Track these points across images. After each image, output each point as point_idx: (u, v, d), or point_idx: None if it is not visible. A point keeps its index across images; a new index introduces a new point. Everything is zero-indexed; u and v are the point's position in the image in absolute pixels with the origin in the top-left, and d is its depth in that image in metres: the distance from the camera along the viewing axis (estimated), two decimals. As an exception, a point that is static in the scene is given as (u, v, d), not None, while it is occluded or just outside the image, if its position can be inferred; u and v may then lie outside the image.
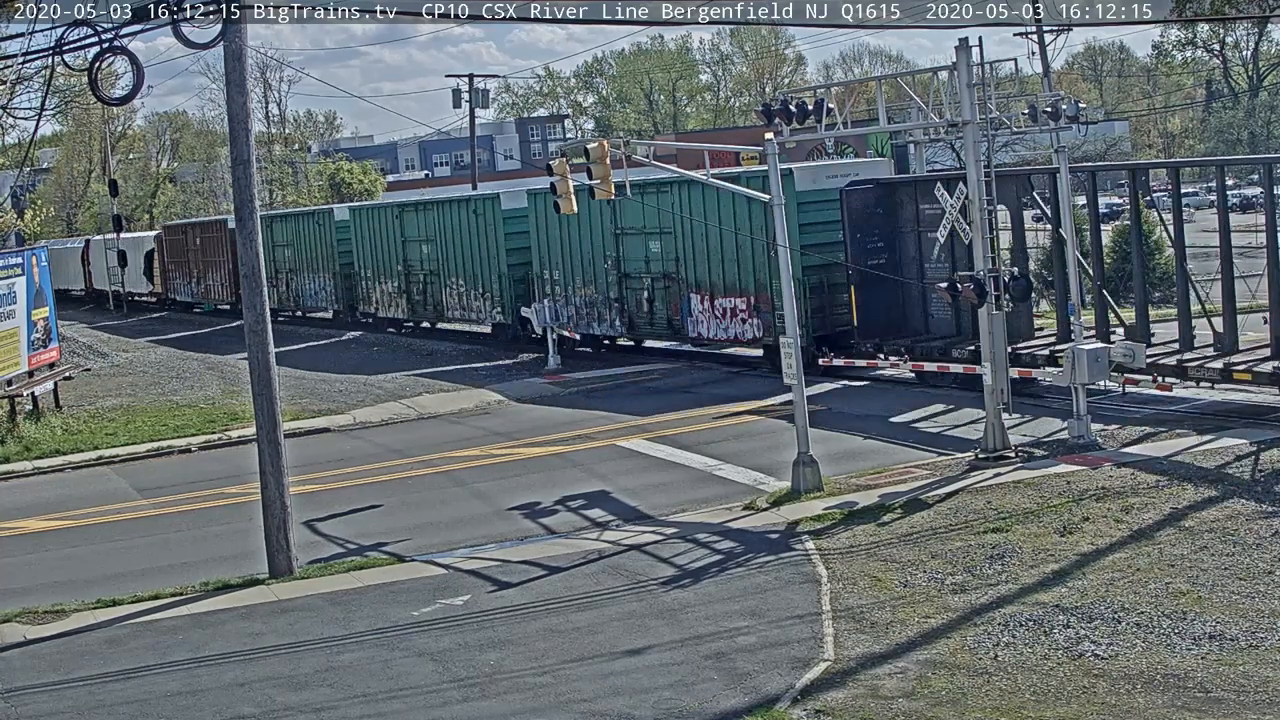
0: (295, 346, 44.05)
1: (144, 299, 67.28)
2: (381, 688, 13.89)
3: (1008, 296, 21.02)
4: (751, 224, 29.73)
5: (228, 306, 56.70)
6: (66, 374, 33.88)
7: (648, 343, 35.65)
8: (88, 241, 73.04)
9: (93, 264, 71.00)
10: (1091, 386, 22.20)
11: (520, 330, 38.62)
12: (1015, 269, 21.56)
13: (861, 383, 28.74)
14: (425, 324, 45.19)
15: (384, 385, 33.71)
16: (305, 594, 17.36)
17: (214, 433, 29.01)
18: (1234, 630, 13.22)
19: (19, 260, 31.23)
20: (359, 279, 46.30)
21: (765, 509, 19.55)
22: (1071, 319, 22.63)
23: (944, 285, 21.56)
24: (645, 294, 33.68)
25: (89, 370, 38.22)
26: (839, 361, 28.59)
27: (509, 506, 21.11)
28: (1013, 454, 20.71)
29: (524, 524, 20.11)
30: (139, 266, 65.14)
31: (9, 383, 29.89)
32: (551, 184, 22.63)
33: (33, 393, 31.32)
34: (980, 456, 20.77)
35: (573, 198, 22.60)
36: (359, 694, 13.78)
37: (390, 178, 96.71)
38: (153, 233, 70.08)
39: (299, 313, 53.01)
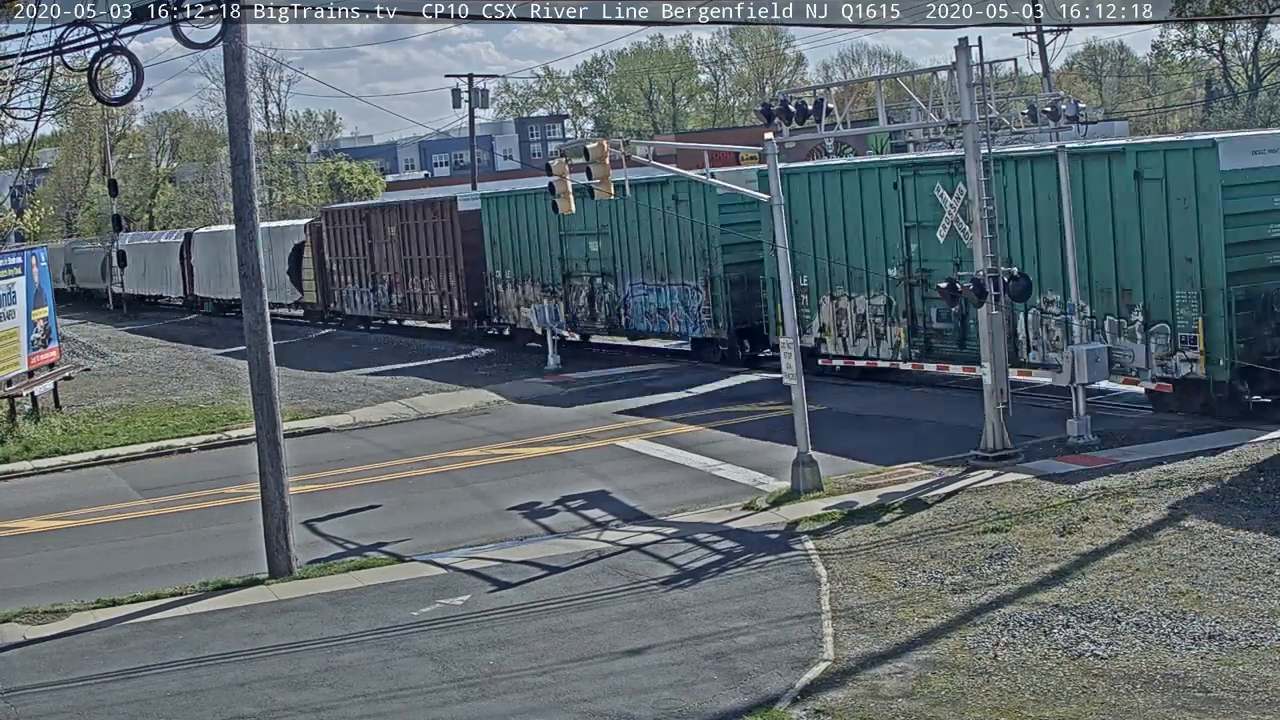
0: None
1: (284, 311, 50.09)
2: (381, 688, 13.89)
3: (1007, 296, 21.04)
4: None
5: (447, 326, 42.43)
6: (66, 374, 33.88)
7: None
8: (189, 235, 59.58)
9: (196, 261, 57.63)
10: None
11: None
12: (1016, 268, 21.55)
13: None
14: (933, 367, 26.29)
15: (383, 385, 33.71)
16: (305, 594, 17.37)
17: (214, 433, 29.02)
18: (1233, 630, 13.22)
19: (18, 260, 31.24)
20: (768, 290, 28.66)
21: (765, 509, 19.55)
22: (1072, 318, 22.60)
23: (943, 285, 21.55)
24: None
25: (88, 370, 38.23)
26: None
27: (509, 506, 21.12)
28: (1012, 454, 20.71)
29: (524, 524, 20.11)
30: (279, 263, 48.89)
31: (9, 383, 29.90)
32: (550, 184, 22.64)
33: (32, 393, 31.33)
34: (980, 456, 20.77)
35: (571, 199, 22.60)
36: (359, 694, 13.79)
37: (390, 178, 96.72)
38: (302, 220, 53.86)
39: (593, 339, 37.10)
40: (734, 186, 24.36)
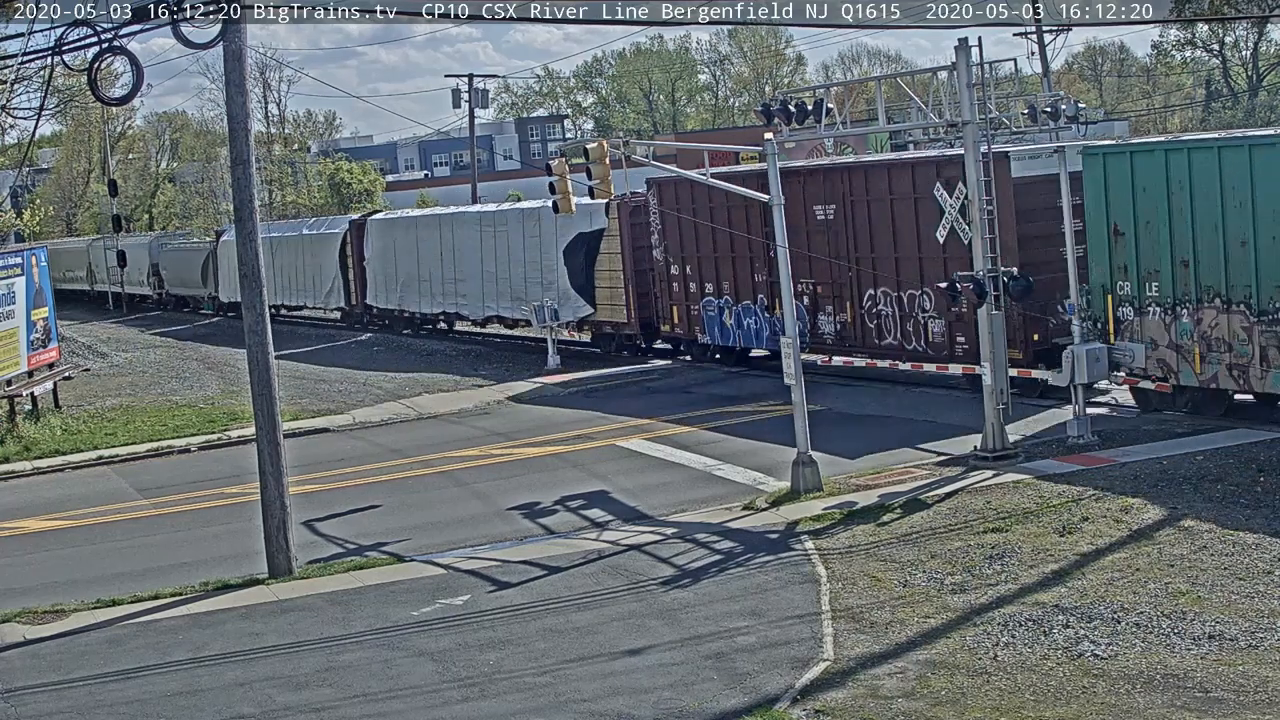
0: None
1: (537, 334, 36.09)
2: (381, 688, 13.89)
3: (1007, 296, 21.04)
4: None
5: (956, 370, 25.39)
6: (66, 374, 33.89)
7: None
8: (358, 223, 45.28)
9: (370, 259, 44.02)
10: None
11: None
12: (1015, 268, 21.56)
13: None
14: None
15: (383, 385, 33.70)
16: (305, 594, 17.37)
17: (214, 433, 29.02)
18: (1234, 630, 13.22)
19: (18, 260, 31.25)
20: None
21: (765, 509, 19.55)
22: (1072, 319, 22.60)
23: (944, 285, 21.55)
24: None
25: (88, 370, 38.22)
26: None
27: (509, 506, 21.12)
28: (1013, 454, 20.72)
29: (524, 524, 20.12)
30: (554, 263, 34.61)
31: (9, 383, 29.91)
32: (550, 184, 22.63)
33: (32, 393, 31.33)
34: (980, 456, 20.77)
35: (571, 199, 22.62)
36: (359, 694, 13.79)
37: (390, 178, 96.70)
38: (595, 200, 29.05)
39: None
40: None
